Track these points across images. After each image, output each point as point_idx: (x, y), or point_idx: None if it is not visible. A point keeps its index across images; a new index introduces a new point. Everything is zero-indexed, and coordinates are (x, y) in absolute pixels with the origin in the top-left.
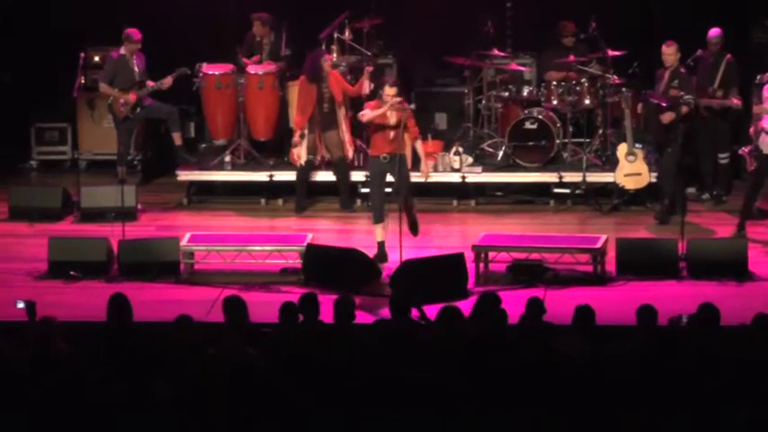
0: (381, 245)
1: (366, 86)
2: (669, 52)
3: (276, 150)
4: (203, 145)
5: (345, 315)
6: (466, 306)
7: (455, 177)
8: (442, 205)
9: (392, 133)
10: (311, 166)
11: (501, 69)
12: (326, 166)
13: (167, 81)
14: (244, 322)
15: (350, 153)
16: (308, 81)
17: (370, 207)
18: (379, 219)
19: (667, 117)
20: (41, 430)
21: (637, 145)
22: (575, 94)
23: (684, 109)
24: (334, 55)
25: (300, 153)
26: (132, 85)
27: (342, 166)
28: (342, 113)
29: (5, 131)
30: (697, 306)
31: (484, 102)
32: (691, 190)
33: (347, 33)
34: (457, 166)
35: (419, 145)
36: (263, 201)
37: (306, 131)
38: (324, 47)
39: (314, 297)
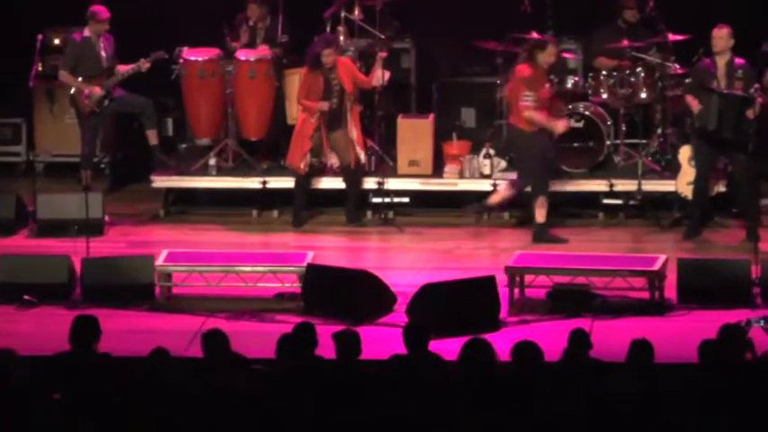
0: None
1: (379, 76)
2: (721, 36)
3: (271, 152)
4: (183, 145)
5: (348, 351)
6: (497, 339)
7: (485, 185)
8: (469, 218)
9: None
10: (314, 172)
11: None
12: (331, 172)
13: (144, 64)
14: (225, 360)
15: (362, 156)
16: (310, 70)
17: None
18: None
19: (752, 112)
20: None
21: None
22: (629, 86)
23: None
24: (341, 38)
25: (307, 160)
26: (99, 72)
27: (354, 173)
28: (351, 108)
29: None
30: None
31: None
32: (766, 201)
33: (356, 12)
34: (487, 171)
35: None
36: (254, 212)
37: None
38: (328, 28)
39: (310, 327)
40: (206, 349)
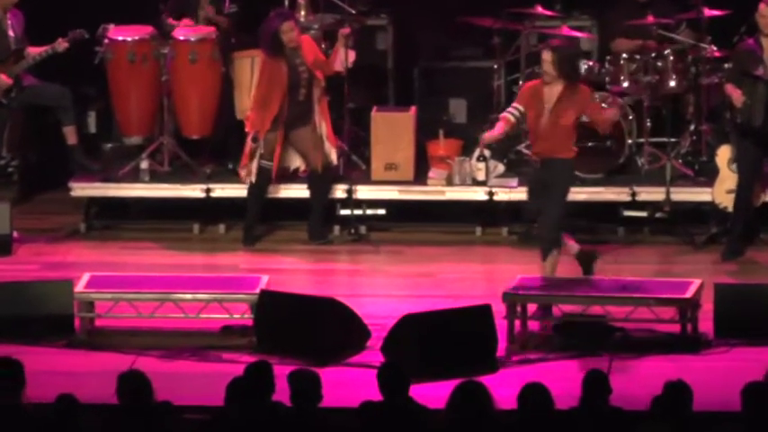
0: None
1: (343, 58)
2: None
3: (216, 153)
4: (109, 145)
5: (306, 396)
6: (494, 382)
7: (479, 194)
8: (459, 234)
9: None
10: (269, 178)
11: (547, 35)
12: (295, 177)
13: (61, 45)
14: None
15: (333, 157)
16: (270, 56)
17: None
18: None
19: None
20: None
21: None
22: (654, 73)
23: None
24: (302, 13)
25: (252, 168)
26: (5, 55)
27: (322, 178)
28: (320, 99)
29: None
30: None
31: (521, 83)
32: None
33: None
34: (481, 176)
35: None
36: (196, 227)
37: (259, 135)
38: (286, 2)
39: (268, 368)
40: (122, 397)
